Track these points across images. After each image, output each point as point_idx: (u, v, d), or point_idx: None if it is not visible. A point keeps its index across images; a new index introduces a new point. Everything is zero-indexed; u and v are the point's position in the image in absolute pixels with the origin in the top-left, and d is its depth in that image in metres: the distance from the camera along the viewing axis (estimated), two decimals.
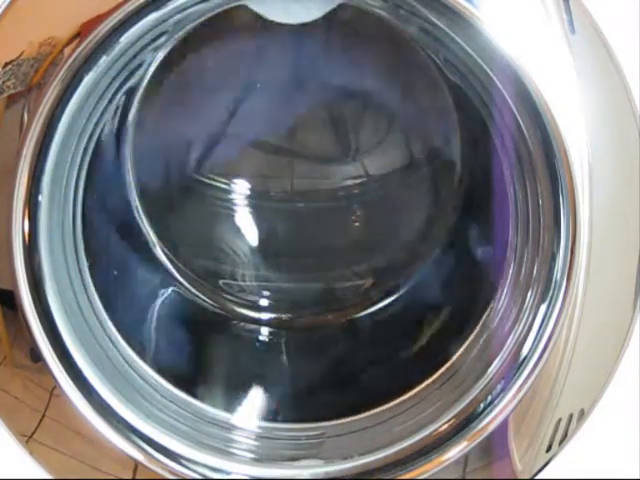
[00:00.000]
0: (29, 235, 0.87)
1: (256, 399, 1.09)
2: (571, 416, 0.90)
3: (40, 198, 0.86)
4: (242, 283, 1.23)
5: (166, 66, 1.09)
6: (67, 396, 0.90)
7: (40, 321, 0.88)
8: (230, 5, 0.90)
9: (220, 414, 1.02)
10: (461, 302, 1.08)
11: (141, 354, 1.00)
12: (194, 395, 1.02)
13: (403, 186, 1.21)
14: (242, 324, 1.20)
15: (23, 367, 0.90)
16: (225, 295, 1.20)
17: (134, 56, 0.90)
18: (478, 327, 0.97)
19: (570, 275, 0.86)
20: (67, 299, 0.91)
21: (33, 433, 0.92)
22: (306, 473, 0.95)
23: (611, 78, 0.85)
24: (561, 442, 0.91)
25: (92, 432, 0.91)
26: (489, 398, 0.91)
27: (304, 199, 1.22)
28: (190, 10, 0.87)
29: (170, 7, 0.84)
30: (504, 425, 0.90)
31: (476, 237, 1.09)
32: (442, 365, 0.98)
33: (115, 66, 0.87)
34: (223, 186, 1.21)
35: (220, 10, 0.91)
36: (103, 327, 0.97)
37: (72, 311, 0.92)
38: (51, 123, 0.84)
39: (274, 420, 1.04)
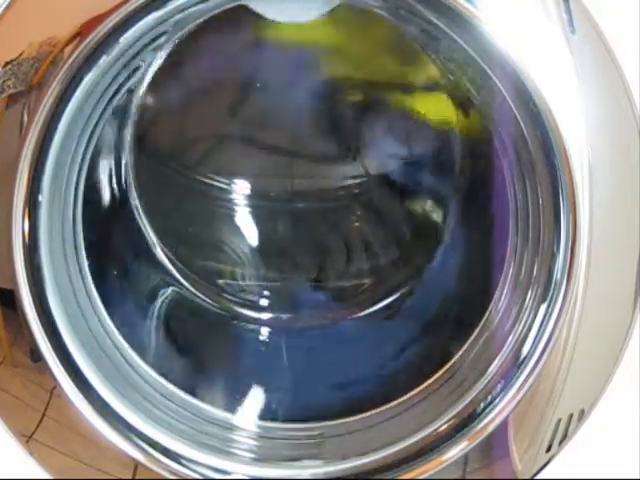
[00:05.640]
0: (29, 235, 0.86)
1: (256, 399, 1.08)
2: (571, 416, 0.90)
3: (40, 198, 0.86)
4: (242, 283, 1.22)
5: (166, 66, 1.09)
6: (67, 396, 0.90)
7: (40, 321, 0.88)
8: (230, 5, 0.90)
9: (220, 414, 1.02)
10: (461, 302, 1.08)
11: (141, 354, 1.00)
12: (194, 395, 1.02)
13: (403, 186, 1.21)
14: (242, 324, 1.20)
15: (23, 367, 0.90)
16: (225, 295, 1.20)
17: (134, 56, 0.90)
18: (478, 327, 0.97)
19: (570, 275, 0.86)
20: (67, 299, 0.91)
21: (33, 433, 0.92)
22: (306, 473, 0.95)
23: (611, 78, 0.84)
24: (561, 442, 0.91)
25: (92, 432, 0.91)
26: (489, 398, 0.91)
27: (304, 199, 1.22)
28: (190, 10, 0.87)
29: (170, 7, 0.84)
30: (504, 425, 0.90)
31: (476, 237, 1.09)
32: (442, 365, 0.98)
33: (115, 66, 0.87)
34: (223, 186, 1.21)
35: (220, 10, 0.91)
36: (103, 327, 0.97)
37: (72, 311, 0.92)
38: (51, 123, 0.84)
39: (274, 420, 1.04)
